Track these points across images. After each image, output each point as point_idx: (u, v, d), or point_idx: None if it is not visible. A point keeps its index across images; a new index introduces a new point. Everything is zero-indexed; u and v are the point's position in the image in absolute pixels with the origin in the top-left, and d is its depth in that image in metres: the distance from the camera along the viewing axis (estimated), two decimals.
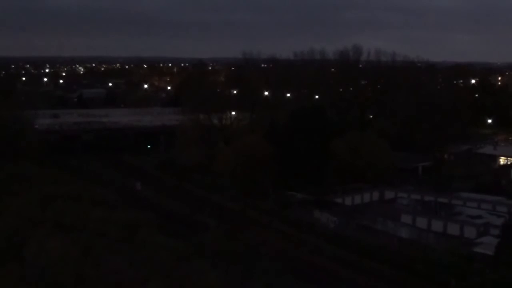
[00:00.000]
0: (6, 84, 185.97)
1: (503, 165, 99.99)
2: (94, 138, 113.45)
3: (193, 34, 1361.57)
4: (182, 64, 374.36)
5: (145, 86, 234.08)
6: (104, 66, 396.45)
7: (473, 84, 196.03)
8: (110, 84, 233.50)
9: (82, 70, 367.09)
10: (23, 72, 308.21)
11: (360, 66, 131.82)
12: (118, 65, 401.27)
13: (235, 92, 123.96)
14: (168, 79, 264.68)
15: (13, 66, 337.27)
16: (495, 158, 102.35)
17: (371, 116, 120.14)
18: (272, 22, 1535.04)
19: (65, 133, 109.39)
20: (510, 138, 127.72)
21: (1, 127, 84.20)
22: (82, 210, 54.57)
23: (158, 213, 63.61)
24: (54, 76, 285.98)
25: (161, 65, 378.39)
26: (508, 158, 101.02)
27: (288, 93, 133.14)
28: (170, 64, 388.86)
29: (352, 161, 79.98)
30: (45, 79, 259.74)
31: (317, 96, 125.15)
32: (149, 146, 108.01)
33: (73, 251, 40.46)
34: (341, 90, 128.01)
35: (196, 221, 63.80)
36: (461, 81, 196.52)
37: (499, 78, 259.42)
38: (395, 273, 50.11)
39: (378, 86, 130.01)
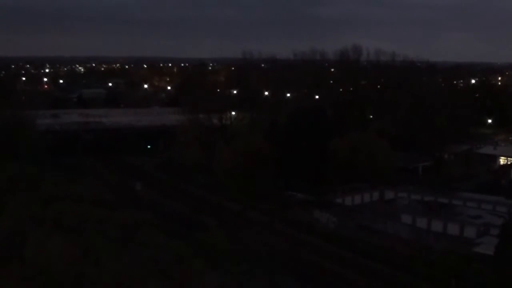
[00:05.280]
0: (6, 84, 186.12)
1: (503, 165, 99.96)
2: (94, 138, 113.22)
3: (189, 34, 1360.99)
4: (182, 64, 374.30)
5: (145, 86, 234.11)
6: (104, 66, 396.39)
7: (473, 84, 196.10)
8: (110, 84, 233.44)
9: (82, 70, 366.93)
10: (23, 72, 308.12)
11: (361, 66, 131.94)
12: (118, 65, 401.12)
13: (235, 92, 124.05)
14: (168, 79, 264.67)
15: (13, 66, 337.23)
16: (495, 158, 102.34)
17: (371, 116, 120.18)
18: (255, 20, 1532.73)
19: (65, 133, 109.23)
20: (510, 138, 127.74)
21: (1, 127, 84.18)
22: (82, 210, 54.61)
23: (158, 213, 63.51)
24: (54, 76, 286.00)
25: (161, 65, 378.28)
26: (508, 158, 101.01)
27: (288, 93, 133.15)
28: (170, 64, 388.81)
29: (352, 161, 79.98)
30: (45, 79, 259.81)
31: (317, 96, 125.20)
32: (149, 146, 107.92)
33: (73, 251, 40.48)
34: (341, 90, 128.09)
35: (196, 221, 63.71)
36: (461, 81, 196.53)
37: (499, 78, 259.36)
38: (395, 273, 50.06)
39: (378, 86, 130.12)
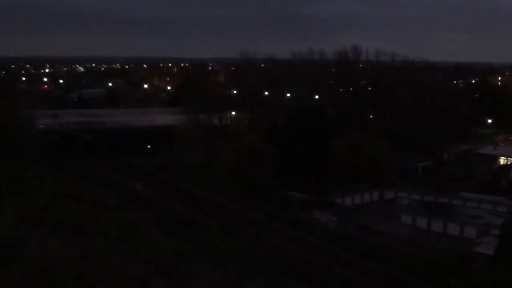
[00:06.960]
0: (6, 84, 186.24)
1: (503, 165, 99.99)
2: (94, 138, 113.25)
3: (189, 34, 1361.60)
4: (182, 64, 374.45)
5: (145, 86, 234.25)
6: (104, 66, 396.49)
7: (473, 84, 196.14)
8: (110, 84, 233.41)
9: (82, 70, 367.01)
10: (23, 72, 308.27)
11: (360, 66, 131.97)
12: (118, 65, 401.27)
13: (235, 92, 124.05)
14: (168, 79, 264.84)
15: (13, 66, 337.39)
16: (495, 158, 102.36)
17: (371, 116, 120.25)
18: (254, 20, 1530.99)
19: (65, 133, 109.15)
20: (510, 138, 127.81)
21: (1, 127, 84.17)
22: (82, 210, 54.63)
23: (158, 213, 63.55)
24: (54, 76, 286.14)
25: (161, 65, 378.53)
26: (508, 158, 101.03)
27: (288, 93, 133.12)
28: (170, 64, 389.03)
29: (352, 161, 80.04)
30: (45, 79, 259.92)
31: (317, 96, 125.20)
32: (149, 146, 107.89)
33: (73, 251, 40.46)
34: (341, 90, 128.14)
35: (196, 221, 63.73)
36: (461, 81, 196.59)
37: (499, 78, 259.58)
38: (395, 273, 50.08)
39: (378, 86, 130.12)
